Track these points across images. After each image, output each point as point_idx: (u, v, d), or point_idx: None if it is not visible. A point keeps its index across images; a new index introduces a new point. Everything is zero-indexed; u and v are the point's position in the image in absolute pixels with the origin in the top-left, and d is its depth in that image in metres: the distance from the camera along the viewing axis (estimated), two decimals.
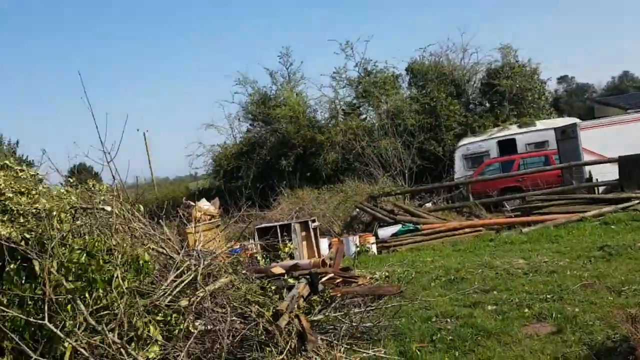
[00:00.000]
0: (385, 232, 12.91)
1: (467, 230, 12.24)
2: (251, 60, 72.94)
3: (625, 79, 57.57)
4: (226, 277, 5.14)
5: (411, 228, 12.69)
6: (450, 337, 5.30)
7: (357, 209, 14.82)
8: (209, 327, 4.39)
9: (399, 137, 20.83)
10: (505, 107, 22.12)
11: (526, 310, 5.90)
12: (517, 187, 16.53)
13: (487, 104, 23.39)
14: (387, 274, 8.69)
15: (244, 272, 5.72)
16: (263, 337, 4.31)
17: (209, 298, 4.59)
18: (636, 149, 12.89)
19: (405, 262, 10.05)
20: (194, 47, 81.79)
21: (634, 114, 17.62)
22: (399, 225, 12.90)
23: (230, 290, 5.00)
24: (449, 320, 5.95)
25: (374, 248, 12.03)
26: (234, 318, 4.54)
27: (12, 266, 3.97)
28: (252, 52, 68.46)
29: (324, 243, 12.17)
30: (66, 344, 3.74)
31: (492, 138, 20.03)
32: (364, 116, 24.82)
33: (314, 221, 11.88)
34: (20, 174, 5.03)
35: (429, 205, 16.64)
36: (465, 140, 20.54)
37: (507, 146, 19.58)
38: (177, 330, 4.24)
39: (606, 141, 14.21)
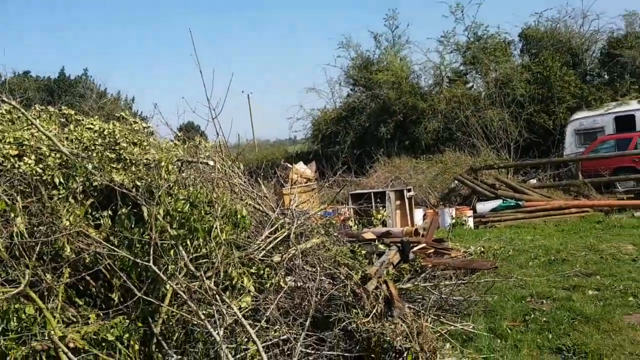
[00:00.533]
0: (484, 206, 12.53)
1: (573, 210, 11.58)
2: (356, 23, 72.14)
3: None
4: (318, 238, 5.22)
5: (512, 204, 12.20)
6: (544, 319, 5.10)
7: (456, 181, 14.46)
8: (299, 284, 4.51)
9: (507, 108, 19.87)
10: (626, 80, 20.33)
11: (631, 298, 5.56)
12: (633, 167, 15.32)
13: (606, 76, 21.63)
14: (482, 249, 8.47)
15: (335, 234, 5.78)
16: (350, 298, 4.36)
17: (300, 256, 4.70)
18: None
19: (503, 238, 9.74)
20: (299, 7, 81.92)
21: None
22: (500, 201, 12.44)
23: (321, 250, 5.09)
24: (544, 301, 5.73)
25: (470, 222, 11.72)
26: (323, 278, 4.62)
27: (123, 210, 4.27)
28: (357, 14, 67.53)
29: (418, 213, 12.02)
30: (167, 286, 4.00)
31: (608, 113, 18.54)
32: (470, 84, 23.88)
33: (409, 190, 11.74)
34: (134, 125, 5.36)
35: (533, 181, 15.88)
36: (578, 114, 19.20)
37: (625, 123, 18.07)
38: (268, 284, 4.39)
39: None
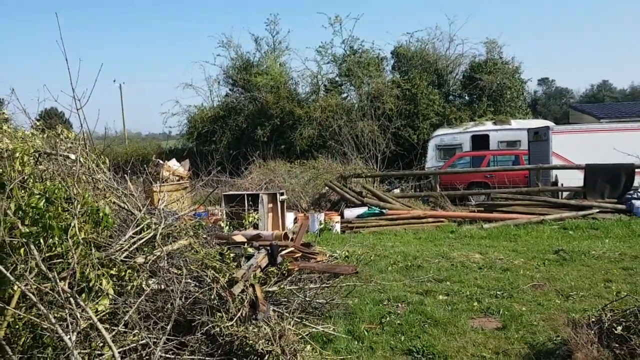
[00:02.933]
0: (351, 212, 13.02)
1: (430, 220, 12.43)
2: (237, 23, 71.71)
3: (603, 89, 58.67)
4: (186, 240, 5.13)
5: (376, 212, 12.82)
6: (398, 322, 5.42)
7: (327, 187, 14.88)
8: (162, 287, 4.40)
9: (377, 120, 20.87)
10: (484, 102, 22.34)
11: (475, 303, 6.07)
12: (485, 182, 16.81)
13: (467, 97, 23.59)
14: (347, 253, 8.74)
15: (204, 236, 5.71)
16: (215, 302, 4.33)
17: (165, 258, 4.58)
18: (604, 159, 13.19)
19: (367, 244, 10.19)
20: (181, 3, 79.77)
21: (606, 124, 18.00)
22: (365, 208, 13.02)
23: (188, 252, 5.00)
24: (399, 305, 6.08)
25: (337, 227, 12.13)
26: (188, 280, 4.55)
27: None
28: (239, 14, 67.20)
29: (289, 217, 12.21)
30: (15, 287, 3.71)
31: (466, 132, 20.23)
32: (344, 95, 24.77)
33: (282, 194, 11.89)
34: None
35: (397, 191, 16.81)
36: (440, 131, 20.70)
37: (480, 141, 19.82)
38: (130, 287, 4.23)
39: (576, 148, 14.49)
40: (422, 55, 23.65)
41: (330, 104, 22.31)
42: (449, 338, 4.98)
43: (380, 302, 6.15)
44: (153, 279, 4.46)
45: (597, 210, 12.20)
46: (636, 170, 13.11)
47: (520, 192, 13.67)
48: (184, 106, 26.08)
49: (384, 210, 12.81)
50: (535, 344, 4.76)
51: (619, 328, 3.88)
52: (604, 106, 31.83)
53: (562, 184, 14.30)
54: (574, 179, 13.92)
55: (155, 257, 4.52)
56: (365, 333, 5.12)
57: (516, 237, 10.60)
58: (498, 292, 6.46)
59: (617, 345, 3.46)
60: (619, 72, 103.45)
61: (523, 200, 13.05)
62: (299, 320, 5.10)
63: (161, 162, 13.42)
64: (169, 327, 3.88)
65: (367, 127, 20.60)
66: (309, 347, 4.59)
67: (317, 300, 5.71)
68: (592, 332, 4.02)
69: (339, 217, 12.66)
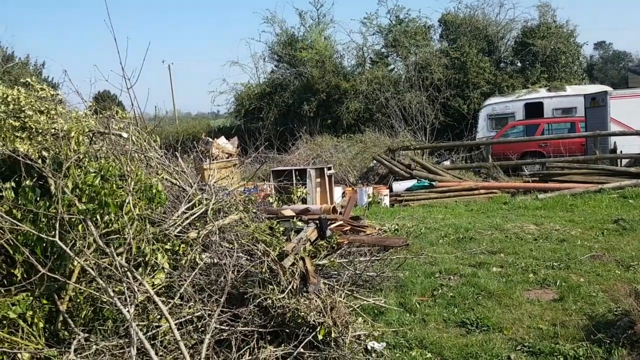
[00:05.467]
0: (400, 185, 12.90)
1: (482, 191, 12.16)
2: None
3: None
4: (236, 214, 5.19)
5: (426, 184, 12.65)
6: (451, 294, 5.36)
7: (374, 161, 14.77)
8: (215, 261, 4.48)
9: (425, 91, 20.48)
10: (537, 68, 21.52)
11: (531, 275, 5.92)
12: (539, 152, 16.30)
13: (519, 64, 22.78)
14: (396, 226, 8.72)
15: (254, 211, 5.77)
16: (267, 275, 4.38)
17: (217, 232, 4.65)
18: None
19: (416, 217, 10.08)
20: None
21: None
22: (414, 180, 12.86)
23: (239, 227, 5.07)
24: (452, 277, 6.00)
25: (386, 200, 12.05)
26: (240, 254, 4.61)
27: (27, 182, 4.03)
28: None
29: (337, 191, 12.20)
30: (75, 263, 3.84)
31: (519, 100, 19.59)
32: (391, 66, 24.37)
33: (329, 168, 11.87)
34: (40, 93, 5.05)
35: (447, 163, 16.52)
36: (491, 100, 20.13)
37: (534, 109, 19.17)
38: (184, 261, 4.33)
39: (636, 112, 13.83)
40: (471, 21, 22.90)
41: (377, 76, 22.01)
42: (503, 310, 4.89)
43: (432, 275, 6.08)
44: (206, 253, 4.55)
45: None
46: None
47: (576, 160, 13.19)
48: (231, 84, 26.31)
49: (433, 183, 12.62)
50: (594, 315, 4.61)
51: None
52: None
53: (621, 151, 13.71)
54: (633, 146, 13.31)
55: (207, 231, 4.60)
56: (417, 305, 5.09)
57: (573, 207, 10.25)
58: (554, 264, 6.28)
59: None
60: None
61: (580, 169, 12.57)
62: (350, 293, 5.11)
63: (210, 140, 13.62)
64: (222, 300, 3.95)
65: (415, 98, 20.24)
66: (360, 319, 4.60)
67: (368, 273, 5.70)
68: None
69: (388, 190, 12.56)
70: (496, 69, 22.19)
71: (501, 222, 9.05)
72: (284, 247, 4.90)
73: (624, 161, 13.77)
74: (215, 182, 6.05)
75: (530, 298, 5.20)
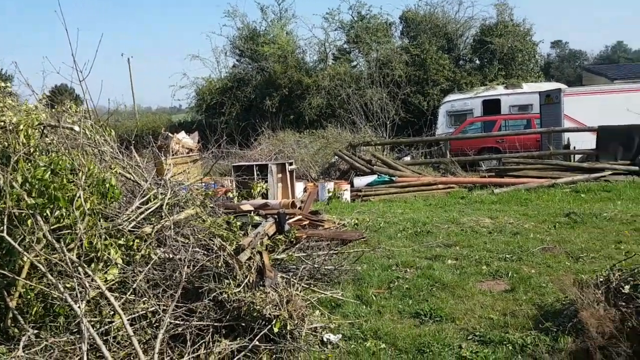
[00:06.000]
0: (360, 181, 13.01)
1: (440, 186, 12.39)
2: None
3: (618, 50, 57.55)
4: (192, 209, 5.16)
5: (386, 180, 12.80)
6: (406, 286, 5.44)
7: (336, 157, 14.85)
8: (170, 256, 4.44)
9: (386, 88, 20.67)
10: (495, 66, 22.01)
11: (484, 267, 6.06)
12: (496, 148, 16.68)
13: (477, 62, 23.24)
14: (356, 221, 8.79)
15: (211, 206, 5.74)
16: (223, 269, 4.37)
17: (172, 227, 4.62)
18: (617, 120, 12.98)
19: (376, 211, 10.19)
20: None
21: (619, 85, 17.68)
22: (375, 176, 12.99)
23: (195, 222, 5.04)
24: (408, 270, 6.10)
25: (346, 195, 12.14)
26: (196, 249, 4.58)
27: None
28: None
29: (299, 186, 12.23)
30: (25, 259, 3.76)
31: (477, 97, 20.00)
32: (353, 63, 24.50)
33: (291, 164, 11.89)
34: None
35: (407, 158, 16.73)
36: (451, 97, 20.48)
37: (492, 106, 19.59)
38: (137, 256, 4.28)
39: (588, 110, 14.28)
40: (431, 19, 23.25)
41: (339, 72, 22.11)
42: (456, 301, 5.00)
43: (389, 268, 6.17)
44: (161, 249, 4.51)
45: (610, 172, 12.06)
46: None
47: (531, 156, 13.55)
48: (192, 78, 26.06)
49: (393, 178, 12.78)
50: (543, 305, 4.76)
51: (627, 287, 3.86)
52: (617, 67, 31.19)
53: (574, 147, 14.14)
54: (586, 142, 13.74)
55: (161, 226, 4.56)
56: (374, 297, 5.16)
57: (527, 202, 10.53)
58: (507, 256, 6.44)
59: (623, 304, 3.45)
60: (634, 32, 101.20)
61: (534, 165, 12.93)
62: (307, 287, 5.13)
63: (170, 134, 13.45)
64: (177, 295, 3.92)
65: (376, 94, 20.42)
66: (317, 312, 4.64)
67: (326, 267, 5.74)
68: (600, 291, 4.01)
69: (349, 185, 12.65)
70: (455, 66, 22.59)
71: (458, 216, 9.22)
72: (240, 241, 4.89)
73: (577, 157, 14.21)
74: (171, 177, 5.99)
75: (483, 289, 5.33)
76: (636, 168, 12.16)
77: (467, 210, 10.02)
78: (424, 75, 21.77)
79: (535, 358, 3.75)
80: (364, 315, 4.75)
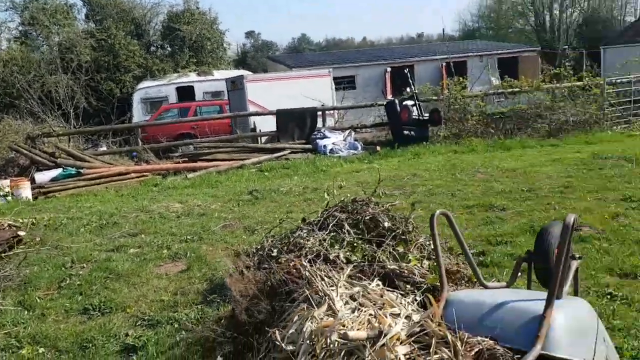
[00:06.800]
0: (44, 176, 11.87)
1: (133, 175, 12.09)
2: None
3: (303, 42, 64.20)
4: None
5: (73, 172, 11.91)
6: (79, 282, 5.16)
7: (14, 151, 13.21)
8: None
9: (72, 74, 19.17)
10: (186, 53, 22.35)
11: (165, 251, 6.12)
12: (193, 134, 16.99)
13: (169, 48, 23.27)
14: (34, 221, 8.00)
15: None
16: None
17: None
18: (295, 104, 14.45)
19: (61, 208, 9.42)
20: None
21: (296, 72, 19.72)
22: (60, 169, 11.99)
23: None
24: (84, 265, 5.79)
25: (26, 193, 10.93)
26: None
27: None
28: None
29: None
30: None
31: (171, 83, 20.06)
32: (33, 47, 22.04)
33: None
34: None
35: (104, 148, 15.92)
36: (144, 84, 20.10)
37: (186, 93, 19.89)
38: None
39: (269, 95, 15.56)
40: (117, 3, 22.32)
41: (15, 57, 19.65)
42: (130, 289, 4.94)
43: (63, 266, 5.75)
44: None
45: (289, 151, 13.42)
46: (319, 113, 14.74)
47: (221, 140, 14.21)
48: None
49: (81, 170, 11.97)
50: (214, 279, 5.03)
51: (275, 251, 4.31)
52: (295, 56, 34.76)
53: (260, 130, 15.29)
54: (270, 125, 14.99)
55: None
56: (38, 300, 4.75)
57: (217, 184, 10.99)
58: (189, 237, 6.62)
59: (266, 266, 3.83)
60: (317, 26, 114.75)
61: (225, 148, 13.59)
62: None
63: None
64: None
65: (62, 81, 18.79)
66: None
67: None
68: (256, 258, 4.39)
69: (29, 182, 11.41)
70: (147, 52, 22.24)
71: (148, 204, 9.11)
72: None
73: (264, 138, 15.42)
74: None
75: (160, 273, 5.38)
76: (310, 146, 13.78)
77: (159, 197, 9.98)
78: (114, 61, 20.86)
79: (188, 330, 3.91)
80: (24, 321, 4.34)
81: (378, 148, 13.60)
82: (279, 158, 13.12)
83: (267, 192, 9.41)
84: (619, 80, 16.43)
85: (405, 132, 13.82)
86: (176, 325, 4.09)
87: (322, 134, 14.03)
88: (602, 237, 5.56)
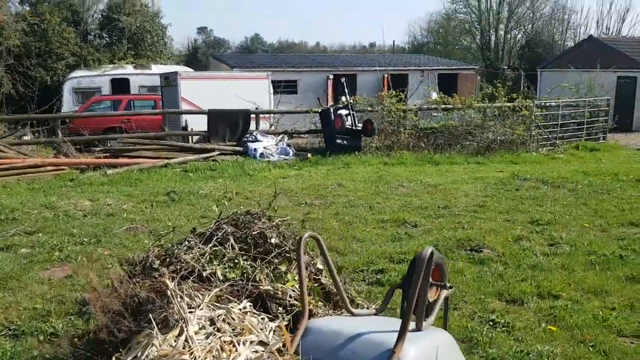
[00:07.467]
0: None
1: (49, 168, 11.50)
2: None
3: (256, 42, 63.76)
4: None
5: None
6: None
7: None
8: None
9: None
10: (124, 44, 21.67)
11: (57, 253, 5.79)
12: (123, 128, 16.39)
13: (107, 39, 22.51)
14: None
15: None
16: None
17: None
18: (231, 105, 14.14)
19: None
20: None
21: (231, 73, 19.43)
22: None
23: None
24: None
25: None
26: None
27: None
28: None
29: None
30: None
31: (105, 75, 19.36)
32: None
33: None
34: None
35: (27, 137, 15.15)
36: (77, 73, 19.32)
37: (121, 85, 19.25)
38: None
39: (205, 94, 15.21)
40: None
41: None
42: (5, 294, 4.60)
43: None
44: None
45: (218, 152, 13.12)
46: (252, 115, 14.52)
47: (147, 137, 13.75)
48: None
49: None
50: (97, 285, 4.75)
51: (157, 262, 4.09)
52: (239, 57, 34.36)
53: (192, 129, 14.91)
54: (203, 124, 14.63)
55: None
56: None
57: (137, 182, 10.60)
58: (85, 239, 6.30)
59: (139, 280, 3.62)
60: (269, 27, 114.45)
61: (151, 145, 13.16)
62: None
63: None
64: None
65: None
66: None
67: None
68: (138, 269, 4.16)
69: None
70: (82, 41, 21.41)
71: (56, 200, 8.67)
72: None
73: (195, 138, 15.03)
74: None
75: (43, 277, 5.06)
76: (241, 149, 13.54)
77: (71, 193, 9.54)
78: (46, 47, 19.96)
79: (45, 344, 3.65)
80: None
81: (309, 155, 13.51)
82: (207, 159, 12.81)
83: (185, 194, 9.15)
84: (547, 104, 16.99)
85: (338, 141, 13.80)
86: (41, 337, 3.81)
87: (254, 137, 13.82)
88: (500, 261, 5.63)
